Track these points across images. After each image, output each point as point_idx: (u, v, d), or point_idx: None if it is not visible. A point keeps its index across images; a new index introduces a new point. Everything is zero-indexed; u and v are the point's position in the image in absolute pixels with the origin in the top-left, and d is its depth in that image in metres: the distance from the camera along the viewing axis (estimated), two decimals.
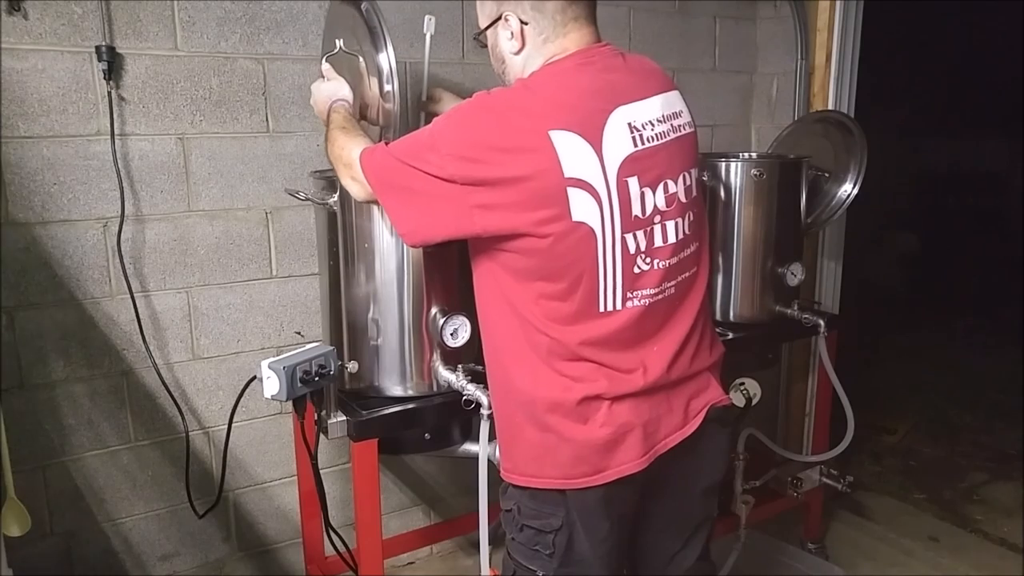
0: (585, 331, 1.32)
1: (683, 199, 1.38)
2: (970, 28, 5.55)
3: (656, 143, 1.33)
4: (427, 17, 1.96)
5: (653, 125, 1.34)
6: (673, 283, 1.39)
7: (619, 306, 1.33)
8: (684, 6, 2.87)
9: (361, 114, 1.77)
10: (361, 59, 1.73)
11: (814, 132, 2.64)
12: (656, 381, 1.36)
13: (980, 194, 6.20)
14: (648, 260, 1.34)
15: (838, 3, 2.83)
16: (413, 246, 1.53)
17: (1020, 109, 5.59)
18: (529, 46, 1.39)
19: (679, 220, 1.38)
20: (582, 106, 1.29)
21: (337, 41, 1.74)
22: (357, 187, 1.46)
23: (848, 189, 2.54)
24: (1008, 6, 4.92)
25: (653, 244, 1.34)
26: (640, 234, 1.33)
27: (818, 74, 2.91)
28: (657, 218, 1.34)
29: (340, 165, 1.50)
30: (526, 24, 1.37)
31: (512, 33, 1.38)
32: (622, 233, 1.30)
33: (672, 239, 1.37)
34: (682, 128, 1.40)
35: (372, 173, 1.39)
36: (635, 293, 1.33)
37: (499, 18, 1.40)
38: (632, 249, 1.32)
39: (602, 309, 1.32)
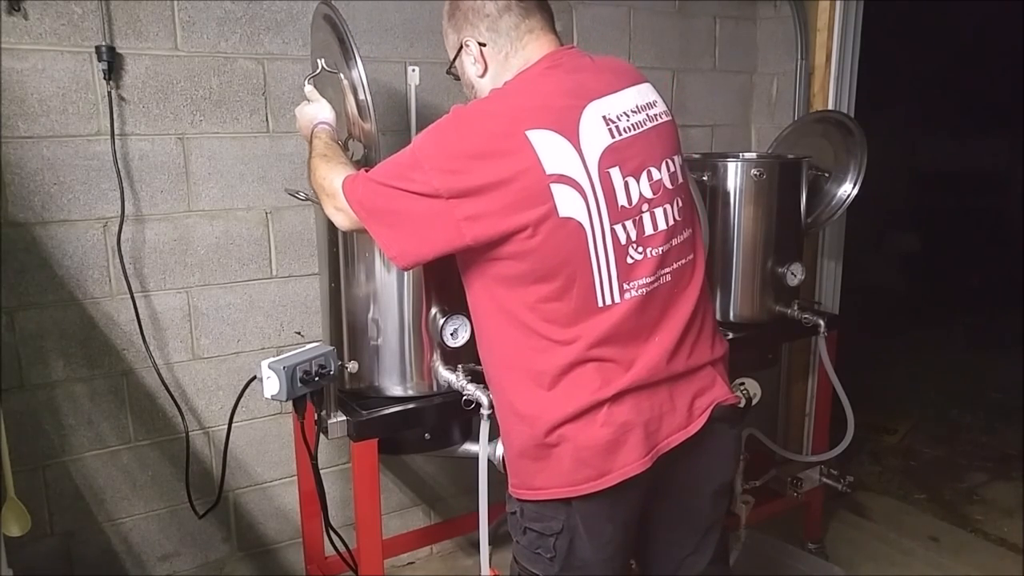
0: (587, 329, 1.32)
1: (669, 185, 1.39)
2: (970, 27, 5.55)
3: (633, 133, 1.35)
4: (410, 69, 2.11)
5: (628, 116, 1.35)
6: (669, 270, 1.38)
7: (617, 299, 1.32)
8: (684, 6, 2.87)
9: (349, 132, 1.77)
10: (343, 76, 1.73)
11: (814, 132, 2.64)
12: (655, 372, 1.35)
13: (980, 194, 6.19)
14: (640, 249, 1.34)
15: (838, 3, 2.83)
16: (405, 268, 1.53)
17: (1020, 109, 5.59)
18: (492, 66, 1.43)
19: (668, 206, 1.38)
20: (554, 105, 1.31)
21: (319, 61, 1.74)
22: (341, 217, 1.45)
23: (848, 189, 2.54)
24: (1008, 5, 4.92)
25: (644, 233, 1.35)
26: (629, 224, 1.33)
27: (818, 74, 2.91)
28: (645, 206, 1.35)
29: (323, 195, 1.49)
30: (484, 46, 1.42)
31: (474, 58, 1.43)
32: (611, 224, 1.31)
33: (663, 226, 1.37)
34: (658, 117, 1.41)
35: (356, 201, 1.38)
36: (631, 284, 1.33)
37: (461, 46, 1.45)
38: (623, 240, 1.32)
39: (601, 304, 1.32)
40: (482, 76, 1.45)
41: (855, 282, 3.24)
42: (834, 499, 2.81)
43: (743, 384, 2.27)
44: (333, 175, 1.46)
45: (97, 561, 2.11)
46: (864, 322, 4.32)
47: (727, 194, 2.30)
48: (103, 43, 1.89)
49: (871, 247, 5.49)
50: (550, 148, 1.26)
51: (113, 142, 1.94)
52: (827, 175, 2.57)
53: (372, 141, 1.72)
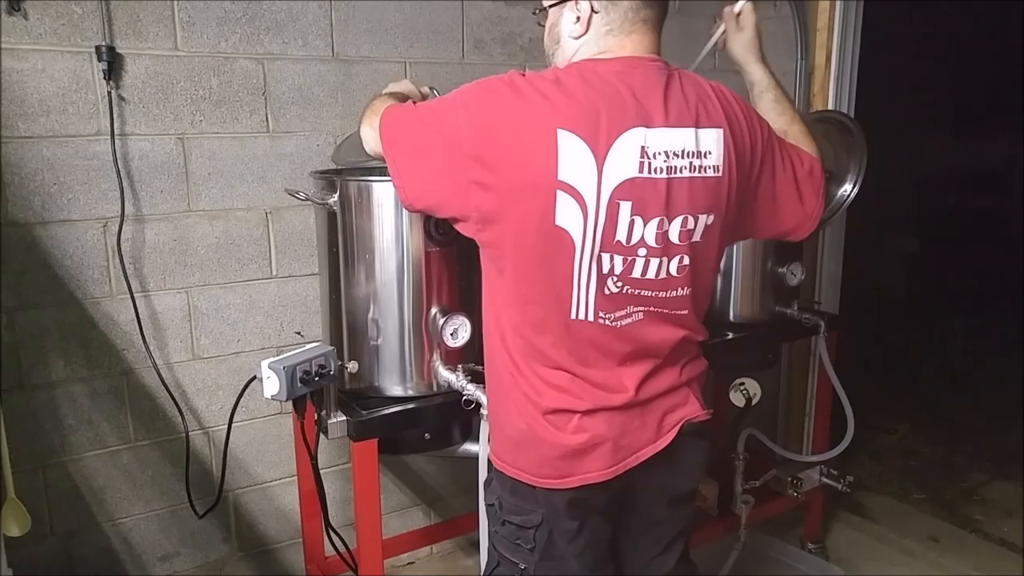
0: (559, 339, 1.32)
1: (677, 241, 1.31)
2: (971, 27, 5.54)
3: (664, 176, 1.27)
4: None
5: (668, 157, 1.26)
6: (642, 309, 1.34)
7: (591, 318, 1.31)
8: (684, 6, 2.87)
9: None
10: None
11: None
12: (627, 402, 1.36)
13: (980, 194, 6.19)
14: (619, 284, 1.30)
15: (838, 3, 2.83)
16: (407, 205, 1.45)
17: (1020, 109, 5.59)
18: (590, 35, 1.34)
19: (665, 260, 1.30)
20: (599, 114, 1.24)
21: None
22: (371, 136, 1.43)
23: (848, 189, 2.54)
24: (1008, 6, 4.92)
25: (631, 274, 1.30)
26: (618, 258, 1.29)
27: (818, 74, 2.91)
28: (642, 251, 1.28)
29: (368, 113, 1.47)
30: (596, 13, 1.33)
31: (579, 17, 1.34)
32: (599, 251, 1.27)
33: (652, 276, 1.31)
34: (704, 170, 1.30)
35: (386, 125, 1.37)
36: (607, 315, 1.31)
37: None
38: (606, 269, 1.29)
39: (573, 317, 1.30)
40: (577, 38, 1.35)
41: (855, 282, 3.24)
42: (834, 499, 2.81)
43: (743, 384, 2.27)
44: (389, 104, 1.44)
45: (97, 561, 2.11)
46: (864, 322, 4.32)
47: None
48: (103, 43, 1.89)
49: (871, 247, 5.49)
50: (572, 155, 1.22)
51: (113, 142, 1.94)
52: (827, 175, 2.56)
53: None
